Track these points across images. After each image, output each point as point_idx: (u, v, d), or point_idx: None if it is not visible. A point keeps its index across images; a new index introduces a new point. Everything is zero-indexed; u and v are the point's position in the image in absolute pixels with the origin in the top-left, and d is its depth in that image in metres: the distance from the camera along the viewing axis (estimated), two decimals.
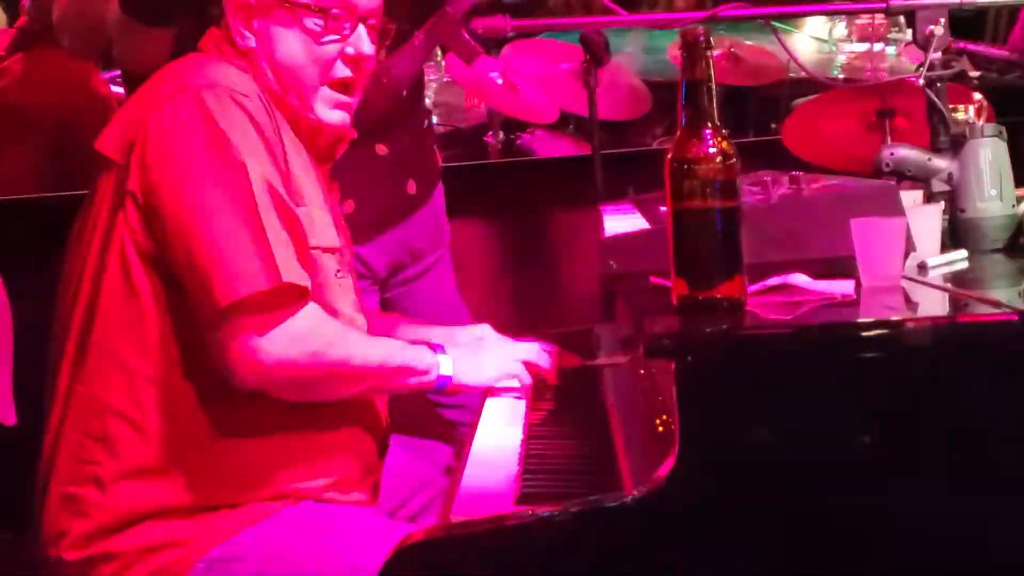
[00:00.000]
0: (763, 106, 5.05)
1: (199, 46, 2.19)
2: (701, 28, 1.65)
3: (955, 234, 2.21)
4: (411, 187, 2.98)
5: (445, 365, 2.14)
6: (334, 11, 2.12)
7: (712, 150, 1.64)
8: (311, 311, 1.98)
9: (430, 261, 3.08)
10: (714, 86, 1.66)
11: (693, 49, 1.65)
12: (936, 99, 2.28)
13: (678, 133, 1.66)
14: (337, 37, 2.13)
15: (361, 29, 2.16)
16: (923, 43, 2.30)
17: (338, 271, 2.14)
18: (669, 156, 1.66)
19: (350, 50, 2.15)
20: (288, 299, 1.94)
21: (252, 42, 2.14)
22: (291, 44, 2.13)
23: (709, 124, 1.65)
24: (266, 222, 1.93)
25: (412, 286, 3.07)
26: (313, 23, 2.12)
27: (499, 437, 2.08)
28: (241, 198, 1.93)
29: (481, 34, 2.27)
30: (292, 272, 1.94)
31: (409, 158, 2.97)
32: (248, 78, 2.08)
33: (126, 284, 1.98)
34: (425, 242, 3.04)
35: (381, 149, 2.91)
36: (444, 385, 2.14)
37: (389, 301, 3.07)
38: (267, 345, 1.92)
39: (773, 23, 2.63)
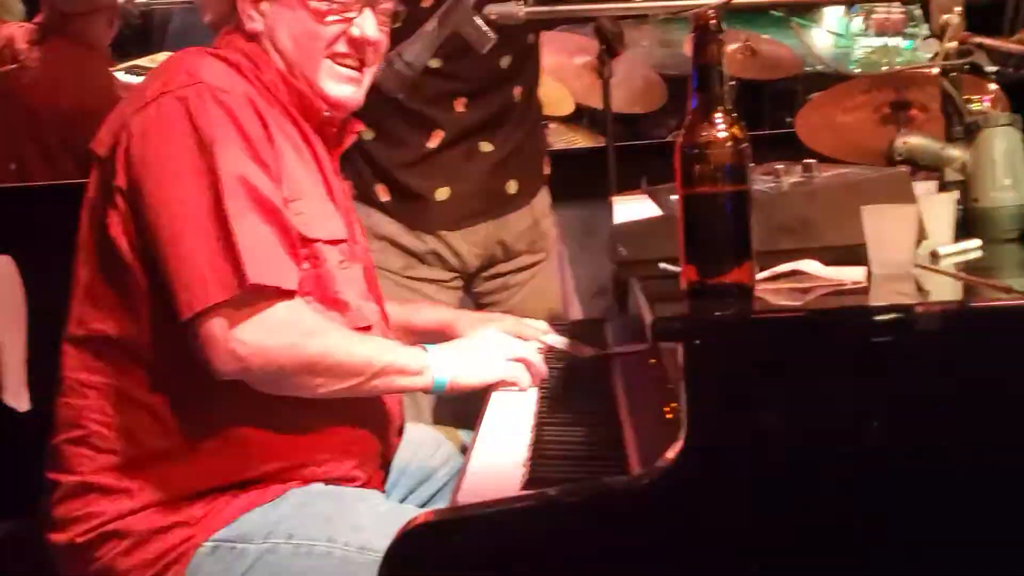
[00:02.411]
0: (779, 100, 5.05)
1: (214, 41, 2.21)
2: (712, 12, 1.65)
3: (968, 224, 2.20)
4: (512, 187, 3.00)
5: (441, 367, 2.10)
6: None
7: (722, 134, 1.63)
8: (292, 302, 1.97)
9: (526, 262, 3.09)
10: (725, 70, 1.65)
11: (704, 33, 1.64)
12: (951, 88, 2.27)
13: (688, 117, 1.65)
14: (340, 18, 2.14)
15: (368, 13, 2.17)
16: (938, 33, 2.29)
17: (342, 261, 2.13)
18: (679, 140, 1.65)
19: (355, 31, 2.16)
20: (264, 295, 1.93)
21: (260, 24, 2.15)
22: (296, 23, 2.14)
23: (720, 108, 1.64)
24: (238, 224, 1.92)
25: (505, 281, 3.08)
26: (319, 4, 2.13)
27: (508, 424, 2.07)
28: (212, 202, 1.92)
29: (495, 21, 2.26)
30: (266, 271, 1.93)
31: (514, 159, 3.00)
32: (235, 73, 2.08)
33: (125, 276, 1.99)
34: (520, 242, 3.05)
35: (486, 146, 2.94)
36: (443, 386, 2.11)
37: (481, 295, 3.09)
38: (242, 334, 1.91)
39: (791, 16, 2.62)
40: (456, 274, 3.00)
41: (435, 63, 2.78)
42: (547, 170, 3.16)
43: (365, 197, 2.91)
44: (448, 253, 2.95)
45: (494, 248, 3.01)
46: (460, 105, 2.90)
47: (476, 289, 3.08)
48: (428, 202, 2.89)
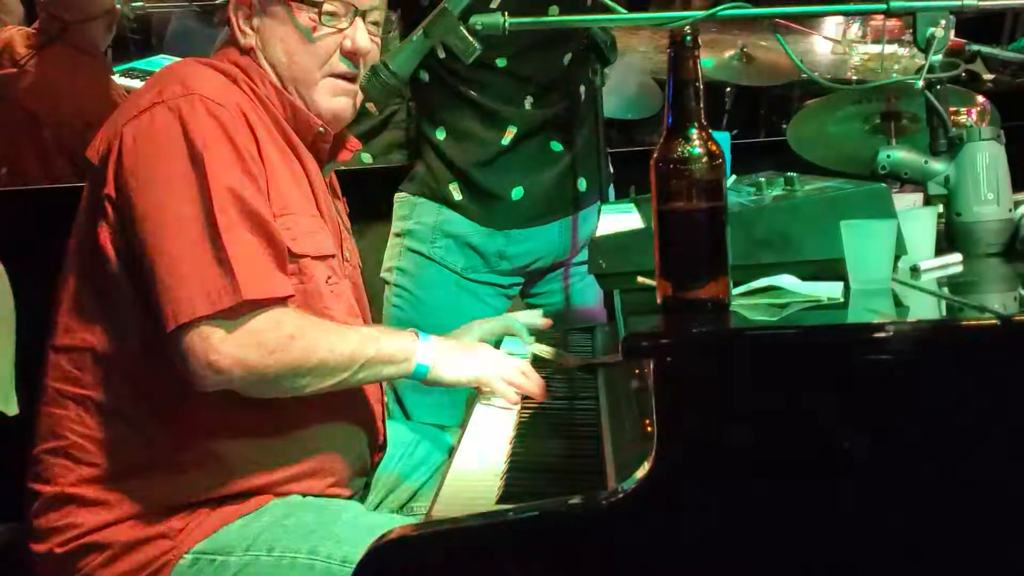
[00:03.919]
0: (775, 106, 5.04)
1: (213, 55, 2.23)
2: (688, 28, 1.64)
3: (951, 238, 2.19)
4: (582, 184, 3.04)
5: (424, 354, 2.11)
6: (327, 6, 2.15)
7: (697, 151, 1.63)
8: (273, 310, 1.96)
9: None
10: (701, 86, 1.65)
11: (680, 49, 1.64)
12: (935, 101, 2.26)
13: (664, 133, 1.66)
14: (332, 30, 2.16)
15: (359, 23, 2.18)
16: (923, 46, 2.27)
17: (329, 277, 2.13)
18: (655, 156, 1.65)
19: (348, 43, 2.18)
20: (247, 306, 1.93)
21: (253, 40, 2.17)
22: (288, 39, 2.16)
23: (695, 124, 1.64)
24: (229, 237, 1.92)
25: (564, 270, 3.10)
26: (308, 17, 2.14)
27: (488, 436, 2.08)
28: (201, 213, 1.92)
29: (480, 32, 2.25)
30: (259, 285, 1.93)
31: (582, 157, 3.04)
32: (231, 85, 2.09)
33: (110, 286, 1.99)
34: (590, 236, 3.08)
35: (556, 146, 2.99)
36: (422, 375, 2.11)
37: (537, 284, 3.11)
38: (222, 346, 1.91)
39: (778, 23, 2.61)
40: (517, 280, 3.03)
41: (501, 62, 2.84)
42: (610, 168, 3.19)
43: (437, 195, 2.96)
44: (519, 252, 2.97)
45: (567, 245, 3.04)
46: (528, 103, 2.95)
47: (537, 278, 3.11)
48: (504, 201, 2.94)
